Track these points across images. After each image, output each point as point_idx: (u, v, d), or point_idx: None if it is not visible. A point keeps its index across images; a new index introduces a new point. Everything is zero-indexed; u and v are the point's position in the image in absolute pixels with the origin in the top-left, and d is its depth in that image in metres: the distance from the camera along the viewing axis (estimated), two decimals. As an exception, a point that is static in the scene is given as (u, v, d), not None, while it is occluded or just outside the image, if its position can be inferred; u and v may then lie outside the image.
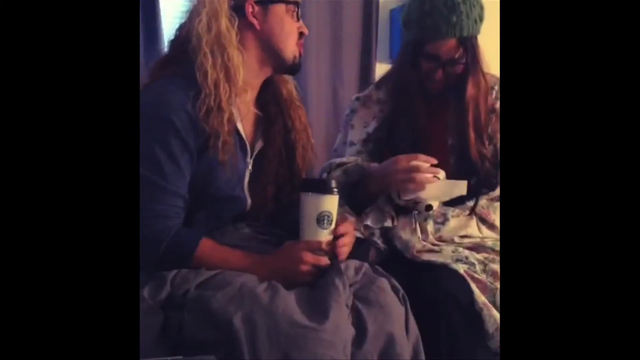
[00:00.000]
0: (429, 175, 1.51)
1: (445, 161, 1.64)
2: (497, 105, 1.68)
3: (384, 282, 1.35)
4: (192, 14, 1.37)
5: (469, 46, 1.63)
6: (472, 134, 1.64)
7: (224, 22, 1.35)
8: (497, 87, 1.70)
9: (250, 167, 1.44)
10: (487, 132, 1.66)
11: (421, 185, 1.51)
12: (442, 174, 1.54)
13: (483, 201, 1.64)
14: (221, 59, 1.33)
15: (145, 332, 1.16)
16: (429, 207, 1.58)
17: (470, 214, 1.63)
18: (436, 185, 1.52)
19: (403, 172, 1.52)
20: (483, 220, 1.62)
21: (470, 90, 1.64)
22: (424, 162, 1.52)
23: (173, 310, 1.24)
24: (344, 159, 1.69)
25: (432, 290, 1.43)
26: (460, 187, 1.53)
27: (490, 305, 1.44)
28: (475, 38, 1.64)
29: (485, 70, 1.67)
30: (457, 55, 1.63)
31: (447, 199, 1.59)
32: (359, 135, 1.76)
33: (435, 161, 1.53)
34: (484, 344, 1.45)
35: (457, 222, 1.61)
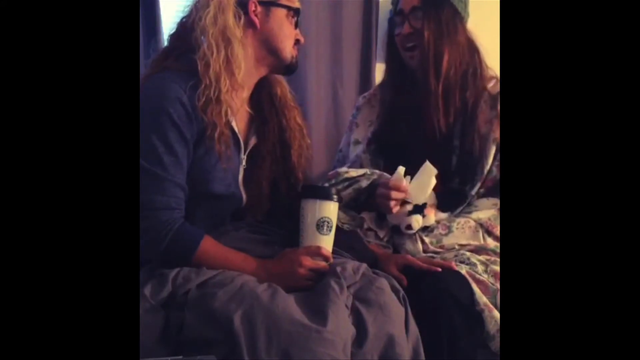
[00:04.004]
0: (392, 204, 1.55)
1: (446, 160, 1.64)
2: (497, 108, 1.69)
3: (384, 283, 1.35)
4: (198, 6, 1.38)
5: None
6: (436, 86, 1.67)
7: (230, 17, 1.36)
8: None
9: (244, 163, 1.45)
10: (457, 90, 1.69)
11: (388, 210, 1.57)
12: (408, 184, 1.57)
13: (491, 213, 1.64)
14: (224, 52, 1.34)
15: (145, 332, 1.17)
16: (408, 227, 1.59)
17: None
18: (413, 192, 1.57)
19: (381, 197, 1.58)
20: (489, 232, 1.62)
21: (445, 56, 1.67)
22: (393, 188, 1.56)
23: (174, 310, 1.24)
24: (352, 172, 1.69)
25: (433, 290, 1.43)
26: (429, 173, 1.56)
27: (491, 306, 1.44)
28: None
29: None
30: (416, 3, 1.68)
31: (427, 194, 1.59)
32: (363, 135, 1.79)
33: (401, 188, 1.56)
34: (484, 345, 1.45)
35: (462, 234, 1.62)
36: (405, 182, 1.56)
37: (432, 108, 1.66)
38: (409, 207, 1.58)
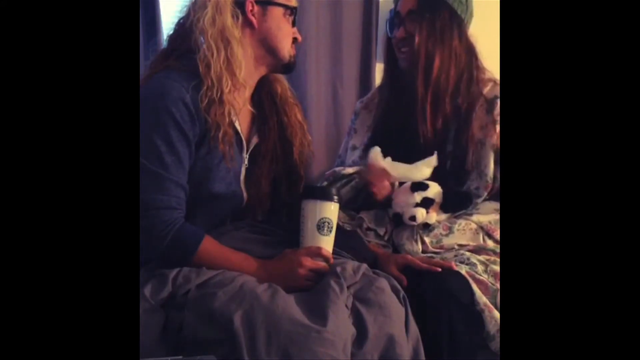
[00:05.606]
0: (376, 188, 1.63)
1: (441, 164, 1.64)
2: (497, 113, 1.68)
3: (384, 283, 1.35)
4: (196, 8, 1.38)
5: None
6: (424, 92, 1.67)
7: (228, 17, 1.37)
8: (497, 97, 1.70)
9: (246, 162, 1.46)
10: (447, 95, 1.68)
11: (373, 196, 1.64)
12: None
13: (492, 217, 1.64)
14: (224, 52, 1.35)
15: (145, 332, 1.17)
16: (412, 218, 1.60)
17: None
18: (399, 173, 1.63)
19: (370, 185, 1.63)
20: (489, 235, 1.62)
21: (436, 62, 1.66)
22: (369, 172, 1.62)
23: (174, 310, 1.24)
24: (349, 169, 1.69)
25: (433, 290, 1.43)
26: (421, 171, 1.62)
27: (491, 306, 1.44)
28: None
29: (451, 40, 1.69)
30: (411, 7, 1.68)
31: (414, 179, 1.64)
32: (361, 140, 1.80)
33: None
34: (484, 345, 1.45)
35: (462, 235, 1.61)
36: (381, 160, 1.61)
37: (419, 113, 1.66)
38: (417, 199, 1.59)
